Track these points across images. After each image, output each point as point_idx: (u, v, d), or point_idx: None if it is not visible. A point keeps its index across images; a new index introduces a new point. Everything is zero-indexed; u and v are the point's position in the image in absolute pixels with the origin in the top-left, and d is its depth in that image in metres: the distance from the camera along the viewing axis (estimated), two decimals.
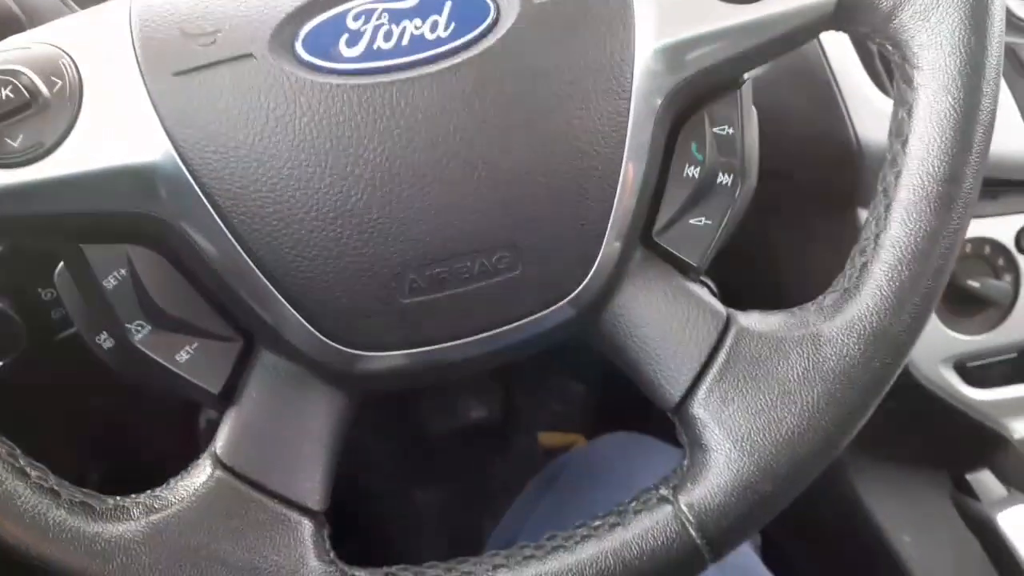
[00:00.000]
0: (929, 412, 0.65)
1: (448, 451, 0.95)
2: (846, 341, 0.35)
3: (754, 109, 0.39)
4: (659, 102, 0.34)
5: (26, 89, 0.31)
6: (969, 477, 0.70)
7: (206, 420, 0.78)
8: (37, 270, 0.50)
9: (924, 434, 0.69)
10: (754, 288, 0.67)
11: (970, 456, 0.71)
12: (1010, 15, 0.58)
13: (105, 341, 0.38)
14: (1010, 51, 0.59)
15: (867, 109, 0.57)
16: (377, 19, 0.32)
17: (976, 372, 0.65)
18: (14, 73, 0.31)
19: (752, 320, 0.36)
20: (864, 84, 0.57)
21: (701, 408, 0.35)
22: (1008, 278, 0.63)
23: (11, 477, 0.31)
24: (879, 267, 0.34)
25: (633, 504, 0.36)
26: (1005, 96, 0.58)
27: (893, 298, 0.34)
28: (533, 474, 0.68)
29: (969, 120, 0.34)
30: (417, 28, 0.32)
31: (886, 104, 0.57)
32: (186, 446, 0.78)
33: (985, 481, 0.70)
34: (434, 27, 0.32)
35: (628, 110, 0.33)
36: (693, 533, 0.34)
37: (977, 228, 0.62)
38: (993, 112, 0.35)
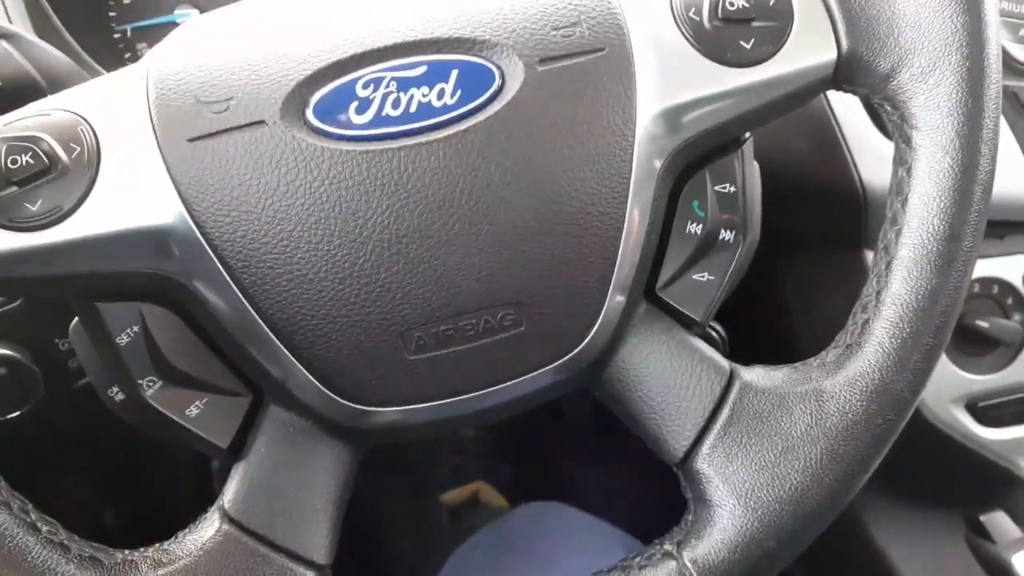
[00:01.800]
0: (941, 452, 0.65)
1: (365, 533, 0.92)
2: (848, 397, 0.35)
3: (756, 165, 0.39)
4: (660, 164, 0.35)
5: (46, 155, 0.32)
6: (983, 518, 0.70)
7: (219, 464, 0.79)
8: (54, 321, 0.51)
9: (937, 475, 0.68)
10: (763, 333, 0.67)
11: (983, 497, 0.70)
12: (1010, 59, 0.59)
13: (117, 395, 0.39)
14: (1011, 94, 0.59)
15: (871, 153, 0.57)
16: (386, 87, 0.33)
17: (988, 412, 0.64)
18: (35, 140, 0.32)
19: (755, 375, 0.36)
20: (867, 129, 0.58)
21: (705, 463, 0.35)
22: (1017, 317, 0.63)
23: (22, 532, 0.32)
24: (880, 324, 0.35)
25: (637, 560, 0.36)
26: (1008, 139, 0.59)
27: (895, 355, 0.35)
28: (440, 541, 0.67)
29: (968, 179, 0.34)
30: (424, 96, 0.33)
31: (890, 148, 0.57)
32: (199, 489, 0.79)
33: (999, 522, 0.70)
34: (441, 95, 0.33)
35: (630, 172, 0.34)
36: None
37: (985, 268, 0.62)
38: (992, 170, 0.35)
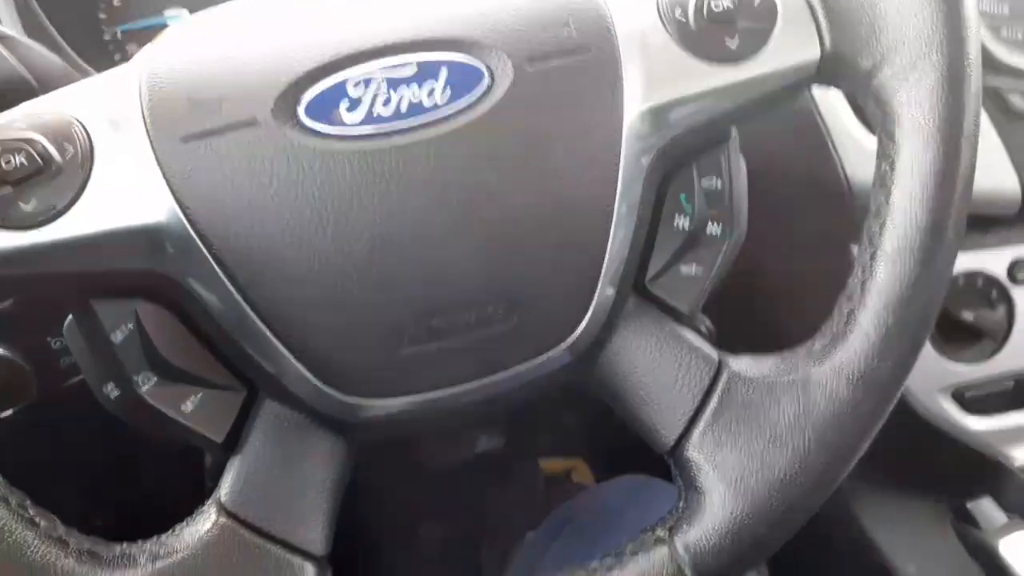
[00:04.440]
0: (929, 441, 0.66)
1: (448, 485, 0.95)
2: (835, 385, 0.35)
3: (742, 159, 0.40)
4: (647, 160, 0.35)
5: (39, 156, 0.32)
6: (970, 505, 0.71)
7: (211, 461, 0.79)
8: (46, 320, 0.51)
9: (924, 463, 0.69)
10: (751, 325, 0.67)
11: (970, 484, 0.71)
12: (994, 59, 0.59)
13: (112, 391, 0.39)
14: (995, 93, 0.60)
15: (856, 148, 0.58)
16: (376, 86, 0.33)
17: (974, 401, 0.65)
18: (28, 141, 0.32)
19: (743, 364, 0.37)
20: (851, 124, 0.59)
21: (695, 451, 0.36)
22: (1001, 309, 0.64)
23: (21, 527, 0.32)
24: (865, 314, 0.35)
25: (630, 546, 0.36)
26: (992, 136, 0.59)
27: (880, 344, 0.35)
28: (534, 502, 0.68)
29: (949, 174, 0.35)
30: (415, 95, 0.33)
31: (874, 143, 0.58)
32: (192, 486, 0.79)
33: (986, 509, 0.71)
34: (431, 93, 0.33)
35: (617, 168, 0.34)
36: (689, 574, 0.35)
37: (970, 261, 0.63)
38: (972, 165, 0.36)
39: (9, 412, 0.53)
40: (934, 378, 0.64)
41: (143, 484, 0.77)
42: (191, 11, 0.67)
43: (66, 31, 0.60)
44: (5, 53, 0.38)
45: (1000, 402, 0.66)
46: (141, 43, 0.66)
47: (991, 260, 0.63)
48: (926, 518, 0.71)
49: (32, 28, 0.58)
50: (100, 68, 0.53)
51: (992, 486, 0.70)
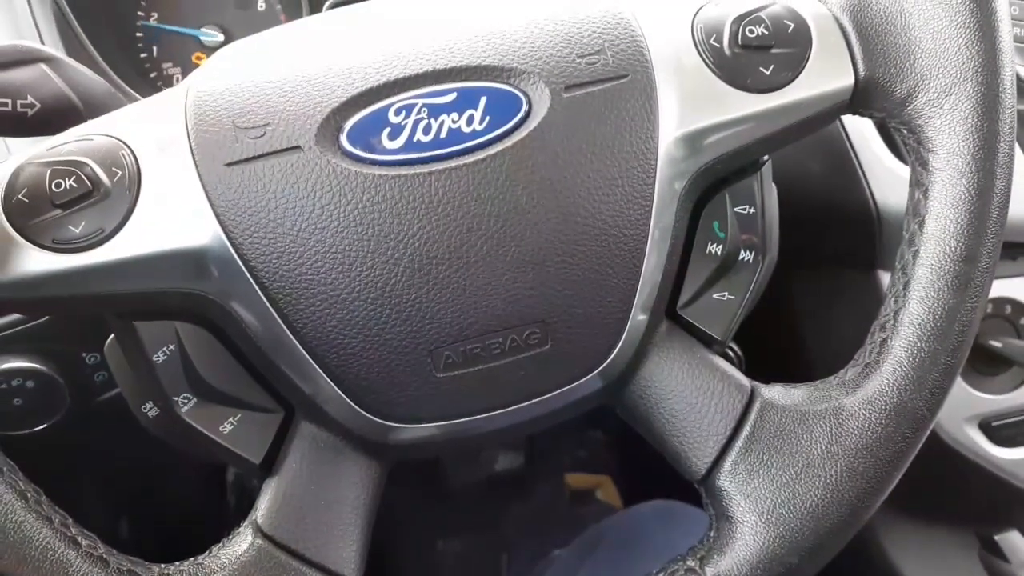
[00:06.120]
0: (955, 472, 0.65)
1: (470, 499, 0.95)
2: (868, 415, 0.35)
3: (774, 187, 0.40)
4: (681, 186, 0.35)
5: (89, 179, 0.33)
6: (997, 538, 0.70)
7: (233, 475, 0.79)
8: (81, 335, 0.52)
9: (951, 494, 0.68)
10: (779, 350, 0.67)
11: (997, 516, 0.70)
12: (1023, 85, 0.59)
13: (151, 411, 0.40)
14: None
15: (884, 175, 0.58)
16: (417, 114, 0.34)
17: (1002, 431, 0.65)
18: (78, 164, 0.33)
19: (775, 393, 0.37)
20: (881, 151, 0.59)
21: (727, 480, 0.36)
22: None
23: (63, 546, 0.33)
24: (899, 343, 0.35)
25: (661, 575, 0.36)
26: (1021, 161, 0.59)
27: (913, 374, 0.35)
28: (557, 515, 0.68)
29: (984, 202, 0.35)
30: (455, 122, 0.34)
31: (903, 170, 0.58)
32: (213, 503, 0.80)
33: (1013, 541, 0.70)
34: (470, 120, 0.34)
35: (652, 194, 0.35)
36: None
37: (999, 289, 0.63)
38: (1007, 193, 0.36)
39: (43, 426, 0.54)
40: (961, 407, 0.63)
41: (168, 494, 0.78)
42: (226, 32, 0.68)
43: (103, 49, 0.61)
44: (52, 75, 0.39)
45: None
46: (176, 60, 0.67)
47: (1020, 287, 0.63)
48: (953, 549, 0.70)
49: (73, 48, 0.59)
50: (138, 87, 0.54)
51: (1019, 518, 0.69)
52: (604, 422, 0.97)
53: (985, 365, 0.63)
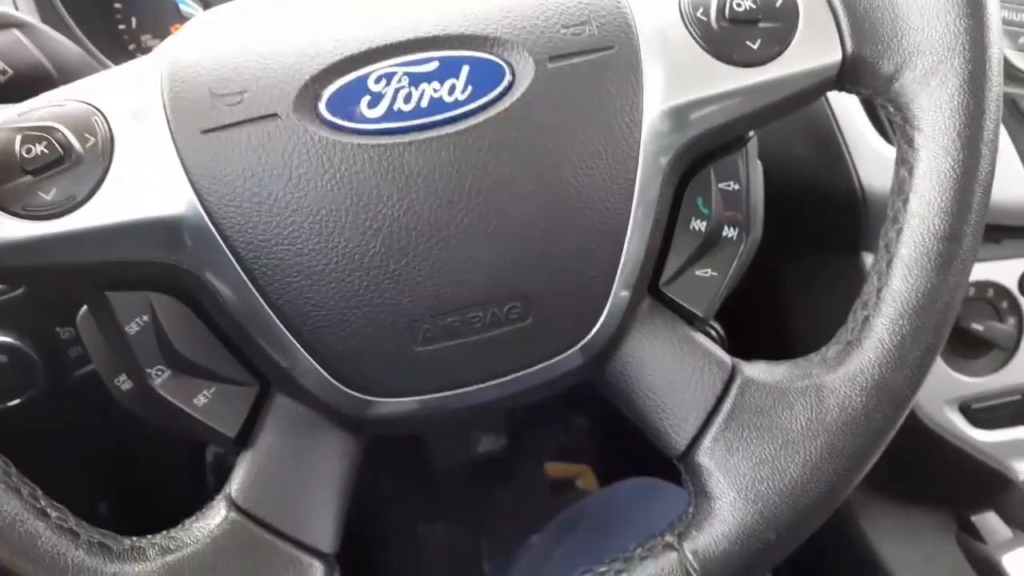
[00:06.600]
0: (934, 453, 0.65)
1: (452, 484, 0.95)
2: (848, 393, 0.35)
3: (759, 163, 0.40)
4: (666, 160, 0.35)
5: (60, 145, 0.32)
6: (974, 519, 0.70)
7: (212, 454, 0.79)
8: (55, 310, 0.51)
9: (929, 475, 0.69)
10: (762, 331, 0.67)
11: (975, 497, 0.71)
12: (1011, 67, 0.59)
13: (124, 383, 0.39)
14: (1011, 102, 0.60)
15: (870, 156, 0.58)
16: (398, 82, 0.33)
17: (981, 414, 0.65)
18: (49, 130, 0.32)
19: (757, 370, 0.37)
20: (867, 131, 0.58)
21: (706, 457, 0.36)
22: (1011, 321, 0.64)
23: (32, 518, 0.32)
24: (881, 321, 0.35)
25: (639, 551, 0.36)
26: (1007, 145, 0.59)
27: (894, 351, 0.35)
28: (537, 503, 0.68)
29: (968, 180, 0.35)
30: (436, 91, 0.33)
31: (889, 151, 0.58)
32: (193, 479, 0.79)
33: (990, 522, 0.70)
34: (452, 90, 0.33)
35: (636, 168, 0.34)
36: None
37: (981, 272, 0.63)
38: (991, 172, 0.36)
39: (17, 401, 0.53)
40: (941, 389, 0.64)
41: (147, 473, 0.78)
42: (205, 2, 0.67)
43: (80, 19, 0.60)
44: (26, 41, 0.38)
45: (1008, 415, 0.66)
46: (155, 31, 0.66)
47: (1002, 271, 0.63)
48: (930, 530, 0.71)
49: (48, 16, 0.58)
50: (115, 57, 0.53)
51: (997, 500, 0.70)
52: (585, 406, 0.98)
53: (966, 348, 0.63)
